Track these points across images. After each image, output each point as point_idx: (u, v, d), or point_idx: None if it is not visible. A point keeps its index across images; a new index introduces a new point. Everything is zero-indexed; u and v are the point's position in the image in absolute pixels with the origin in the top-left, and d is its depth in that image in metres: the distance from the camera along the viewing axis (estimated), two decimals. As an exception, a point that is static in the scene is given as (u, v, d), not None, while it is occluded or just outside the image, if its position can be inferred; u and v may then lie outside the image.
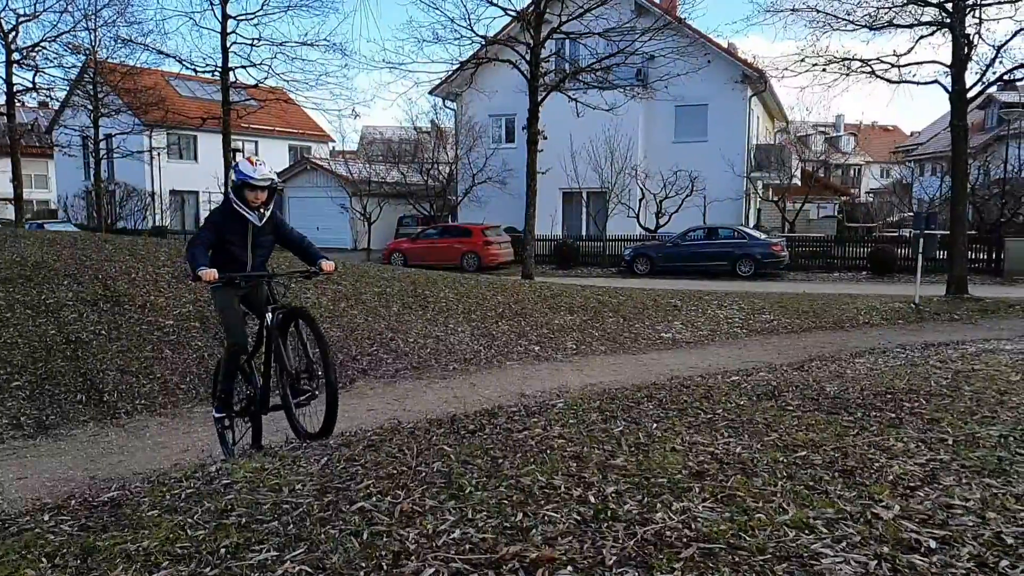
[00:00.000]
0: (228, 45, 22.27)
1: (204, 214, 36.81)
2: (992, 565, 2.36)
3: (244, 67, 22.83)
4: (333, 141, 41.41)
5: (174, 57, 23.42)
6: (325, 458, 3.75)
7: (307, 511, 2.96)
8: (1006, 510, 2.80)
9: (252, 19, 22.54)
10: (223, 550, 2.63)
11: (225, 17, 21.99)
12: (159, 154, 33.28)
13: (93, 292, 8.43)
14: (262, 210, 4.79)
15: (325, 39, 44.42)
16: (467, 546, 2.56)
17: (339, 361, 7.50)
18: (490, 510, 2.87)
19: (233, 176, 4.74)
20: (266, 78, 23.95)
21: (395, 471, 3.42)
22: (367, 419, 5.93)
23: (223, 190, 24.74)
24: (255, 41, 22.64)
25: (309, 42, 28.91)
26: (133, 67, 25.61)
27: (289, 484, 3.33)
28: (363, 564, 2.47)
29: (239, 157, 4.89)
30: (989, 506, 2.84)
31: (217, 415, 5.24)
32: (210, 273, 4.51)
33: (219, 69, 22.66)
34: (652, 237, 25.14)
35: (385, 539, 2.65)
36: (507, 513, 2.83)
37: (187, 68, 23.44)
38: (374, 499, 3.05)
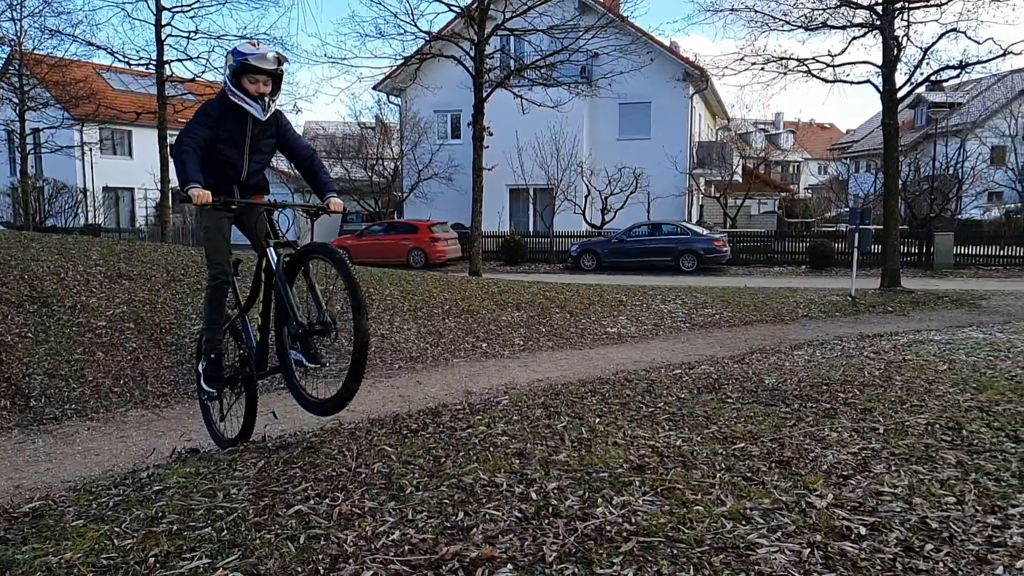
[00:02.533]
0: (163, 38, 21.55)
1: (140, 212, 35.69)
2: (917, 549, 2.44)
3: (180, 60, 22.03)
4: (275, 137, 40.54)
5: (105, 49, 22.38)
6: (262, 461, 3.66)
7: (242, 516, 2.88)
8: (931, 496, 2.90)
9: (188, 11, 21.86)
10: (152, 559, 2.54)
11: (160, 9, 21.29)
12: (91, 149, 32.10)
13: (18, 293, 8.06)
14: (267, 100, 3.96)
15: (265, 33, 43.37)
16: (407, 547, 2.53)
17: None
18: (431, 510, 2.83)
19: (229, 60, 3.92)
20: (204, 72, 23.32)
21: (334, 473, 3.36)
22: (308, 420, 5.79)
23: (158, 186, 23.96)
24: (192, 34, 21.95)
25: (248, 36, 28.16)
26: (62, 59, 24.56)
27: (224, 488, 3.23)
28: (299, 569, 2.41)
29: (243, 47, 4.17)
30: (916, 492, 2.93)
31: (207, 387, 4.39)
32: (203, 195, 3.73)
33: (154, 62, 21.92)
34: (598, 233, 25.38)
35: (323, 542, 2.59)
36: (448, 512, 2.80)
37: (119, 61, 22.56)
38: (312, 502, 2.98)
